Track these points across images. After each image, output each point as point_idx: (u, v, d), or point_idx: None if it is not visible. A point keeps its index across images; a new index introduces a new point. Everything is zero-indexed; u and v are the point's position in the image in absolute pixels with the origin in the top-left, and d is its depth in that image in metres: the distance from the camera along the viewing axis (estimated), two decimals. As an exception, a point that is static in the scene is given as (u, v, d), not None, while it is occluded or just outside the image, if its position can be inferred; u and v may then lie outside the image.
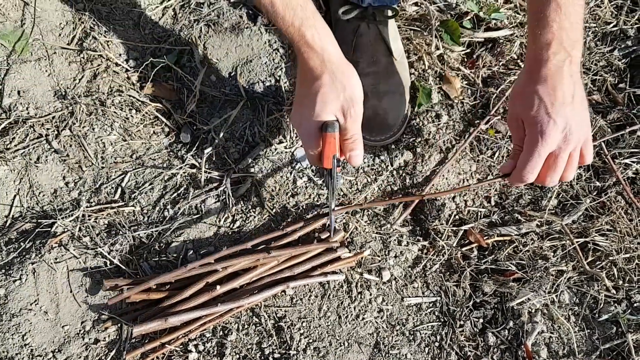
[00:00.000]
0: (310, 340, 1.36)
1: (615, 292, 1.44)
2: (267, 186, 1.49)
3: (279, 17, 1.06)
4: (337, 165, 1.14)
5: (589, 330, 1.42)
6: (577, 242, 1.46)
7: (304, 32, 1.04)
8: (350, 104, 1.07)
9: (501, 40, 1.66)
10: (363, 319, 1.39)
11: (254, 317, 1.37)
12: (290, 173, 1.51)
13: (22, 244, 1.38)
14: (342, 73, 1.07)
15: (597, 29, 1.73)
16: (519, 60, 1.66)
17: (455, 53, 1.64)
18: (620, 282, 1.45)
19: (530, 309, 1.41)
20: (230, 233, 1.44)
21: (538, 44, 1.01)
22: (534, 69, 1.02)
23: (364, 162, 1.53)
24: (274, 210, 1.47)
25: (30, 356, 1.29)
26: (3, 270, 1.35)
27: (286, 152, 1.52)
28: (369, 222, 1.48)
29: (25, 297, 1.32)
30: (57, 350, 1.30)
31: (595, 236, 1.48)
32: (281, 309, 1.38)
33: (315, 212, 1.46)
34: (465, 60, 1.66)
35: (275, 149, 1.52)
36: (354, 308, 1.40)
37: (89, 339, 1.32)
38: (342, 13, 1.49)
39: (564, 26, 0.99)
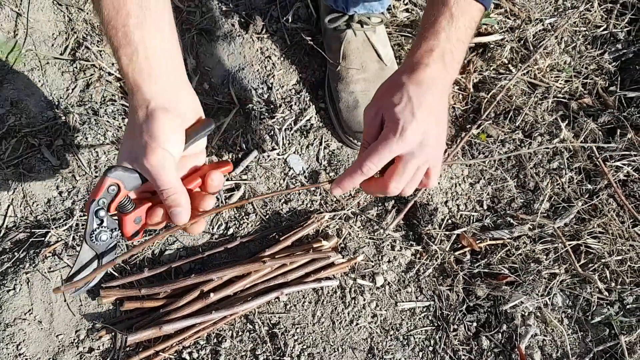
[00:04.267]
0: (305, 347, 1.36)
1: (607, 294, 1.44)
2: (260, 193, 1.49)
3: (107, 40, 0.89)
4: (96, 214, 0.88)
5: (582, 333, 1.42)
6: (569, 244, 1.47)
7: (119, 58, 0.85)
8: (146, 155, 0.84)
9: (492, 45, 1.68)
10: (357, 324, 1.40)
11: (248, 324, 1.38)
12: (283, 180, 1.52)
13: (16, 253, 1.38)
14: (148, 118, 0.85)
15: (587, 32, 1.75)
16: (509, 65, 1.67)
17: (446, 58, 1.65)
18: (613, 284, 1.46)
19: (523, 312, 1.42)
20: (223, 241, 1.45)
21: (422, 47, 0.94)
22: (411, 69, 0.94)
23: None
24: (267, 217, 1.48)
25: (25, 366, 1.29)
26: (-3, 280, 1.35)
27: (279, 159, 1.53)
28: (362, 227, 1.49)
29: (19, 306, 1.33)
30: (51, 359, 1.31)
31: (588, 239, 1.48)
32: (275, 316, 1.39)
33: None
34: (456, 65, 1.67)
35: (268, 156, 1.52)
36: (348, 313, 1.40)
37: (84, 347, 1.32)
38: (329, 21, 1.50)
39: (451, 39, 0.94)
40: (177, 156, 0.88)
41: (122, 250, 0.91)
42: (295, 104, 1.58)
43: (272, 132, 1.54)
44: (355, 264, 1.44)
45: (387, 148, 0.91)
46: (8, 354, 1.29)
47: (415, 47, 0.96)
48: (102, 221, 0.89)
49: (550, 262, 1.46)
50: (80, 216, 1.42)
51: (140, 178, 0.88)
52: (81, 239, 1.40)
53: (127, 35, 0.84)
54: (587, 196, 1.54)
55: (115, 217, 0.92)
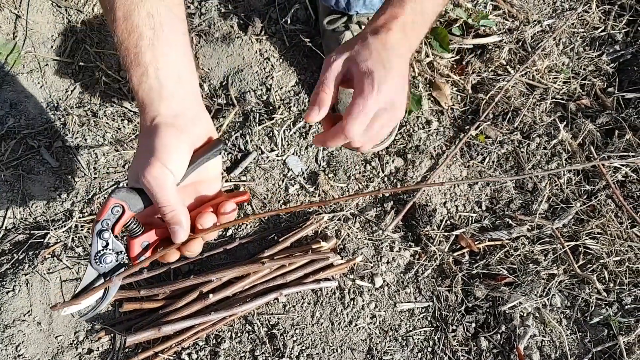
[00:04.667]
0: (304, 347, 1.36)
1: (606, 295, 1.44)
2: (259, 194, 1.49)
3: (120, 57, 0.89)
4: (100, 235, 0.87)
5: (580, 333, 1.42)
6: (567, 245, 1.47)
7: (130, 77, 0.86)
8: (144, 169, 0.82)
9: (490, 47, 1.68)
10: (356, 325, 1.40)
11: (247, 325, 1.38)
12: (282, 181, 1.52)
13: (15, 255, 1.38)
14: (150, 134, 0.84)
15: (585, 34, 1.75)
16: (508, 66, 1.67)
17: (444, 60, 1.66)
18: (611, 285, 1.46)
19: (522, 313, 1.42)
20: (222, 242, 1.45)
21: (387, 12, 0.94)
22: (375, 31, 0.93)
23: (356, 169, 1.54)
24: (266, 218, 1.48)
25: (24, 367, 1.29)
26: (-4, 282, 1.35)
27: (278, 160, 1.53)
28: (361, 228, 1.49)
29: (18, 308, 1.33)
30: (50, 361, 1.31)
31: (586, 239, 1.49)
32: (274, 317, 1.39)
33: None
34: (455, 66, 1.68)
35: (267, 157, 1.53)
36: (347, 314, 1.40)
37: (83, 349, 1.32)
38: (327, 23, 1.50)
39: (416, 10, 0.94)
40: (179, 174, 0.86)
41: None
42: (294, 105, 1.58)
43: (271, 134, 1.54)
44: (354, 265, 1.44)
45: (369, 102, 0.87)
46: (7, 355, 1.29)
47: (380, 12, 0.96)
48: (107, 243, 0.88)
49: (548, 262, 1.47)
50: (80, 217, 1.42)
51: (146, 199, 0.87)
52: (80, 241, 1.40)
53: (138, 56, 0.84)
54: (585, 197, 1.55)
55: (123, 241, 0.90)
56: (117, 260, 0.89)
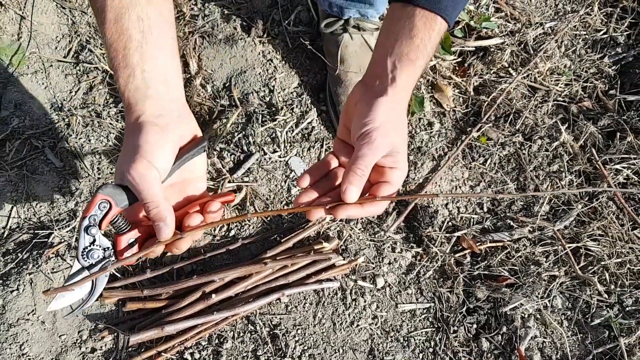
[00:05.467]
0: (305, 347, 1.37)
1: (607, 297, 1.45)
2: (261, 195, 1.50)
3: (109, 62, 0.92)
4: (88, 231, 0.87)
5: (581, 335, 1.43)
6: (569, 247, 1.47)
7: (117, 78, 0.88)
8: (129, 166, 0.84)
9: (492, 49, 1.69)
10: (357, 325, 1.40)
11: (249, 325, 1.39)
12: (285, 182, 1.53)
13: (19, 254, 1.39)
14: (135, 132, 0.86)
15: (587, 36, 1.75)
16: (510, 69, 1.68)
17: (446, 62, 1.66)
18: (612, 287, 1.46)
19: (523, 314, 1.43)
20: (225, 242, 1.45)
21: (397, 65, 0.89)
22: (383, 81, 0.90)
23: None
24: (269, 219, 1.49)
25: (28, 366, 1.30)
26: (0, 281, 1.36)
27: (280, 161, 1.54)
28: (362, 229, 1.50)
29: (22, 307, 1.34)
30: (54, 360, 1.32)
31: (587, 241, 1.49)
32: (276, 317, 1.40)
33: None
34: (457, 68, 1.68)
35: (270, 158, 1.53)
36: (349, 315, 1.41)
37: (86, 348, 1.33)
38: (325, 26, 1.51)
39: (419, 66, 0.90)
40: (164, 171, 0.87)
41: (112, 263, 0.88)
42: (296, 106, 1.59)
43: (274, 135, 1.55)
44: (356, 265, 1.45)
45: (368, 160, 0.86)
46: (11, 354, 1.30)
47: (385, 55, 0.91)
48: (94, 239, 0.88)
49: (550, 264, 1.47)
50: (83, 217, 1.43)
51: (132, 196, 0.87)
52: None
53: (126, 58, 0.86)
54: (586, 199, 1.55)
55: (110, 237, 0.90)
56: (104, 256, 0.89)
